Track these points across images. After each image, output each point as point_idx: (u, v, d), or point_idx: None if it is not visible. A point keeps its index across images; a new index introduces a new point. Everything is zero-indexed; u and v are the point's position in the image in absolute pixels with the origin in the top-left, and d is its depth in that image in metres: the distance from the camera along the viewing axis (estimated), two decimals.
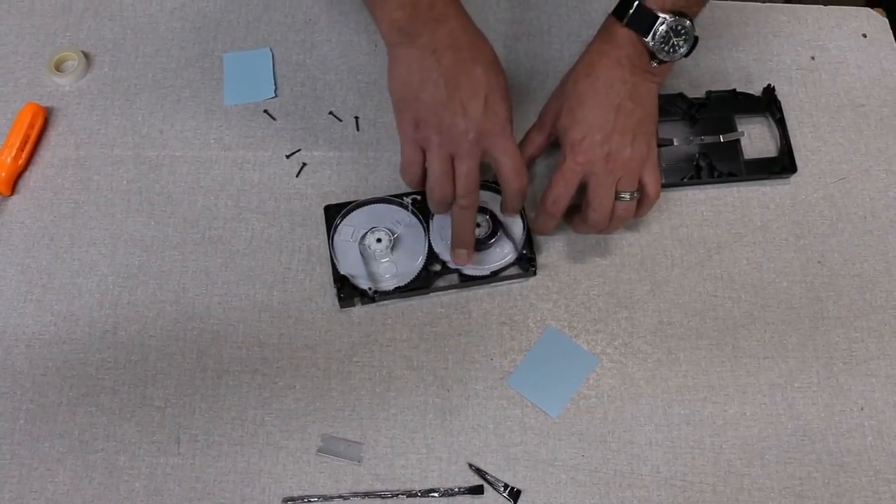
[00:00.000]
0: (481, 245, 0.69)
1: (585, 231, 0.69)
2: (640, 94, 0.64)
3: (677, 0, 0.62)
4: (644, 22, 0.62)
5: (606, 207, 0.64)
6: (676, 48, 0.62)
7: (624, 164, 0.63)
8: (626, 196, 0.64)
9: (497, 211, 0.70)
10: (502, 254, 0.70)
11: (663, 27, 0.61)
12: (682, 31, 0.62)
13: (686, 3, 0.63)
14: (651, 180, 0.65)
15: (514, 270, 0.69)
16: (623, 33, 0.63)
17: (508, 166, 0.62)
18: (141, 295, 0.69)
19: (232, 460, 0.64)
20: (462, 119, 0.59)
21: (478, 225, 0.69)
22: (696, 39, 0.63)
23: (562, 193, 0.64)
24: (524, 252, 0.69)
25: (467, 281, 0.69)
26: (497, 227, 0.70)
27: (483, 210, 0.70)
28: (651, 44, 0.62)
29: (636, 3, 0.62)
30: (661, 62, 0.63)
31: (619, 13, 0.63)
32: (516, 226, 0.70)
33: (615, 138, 0.63)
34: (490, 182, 0.70)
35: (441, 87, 0.59)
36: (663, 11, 0.61)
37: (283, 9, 0.81)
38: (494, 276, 0.69)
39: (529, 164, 0.72)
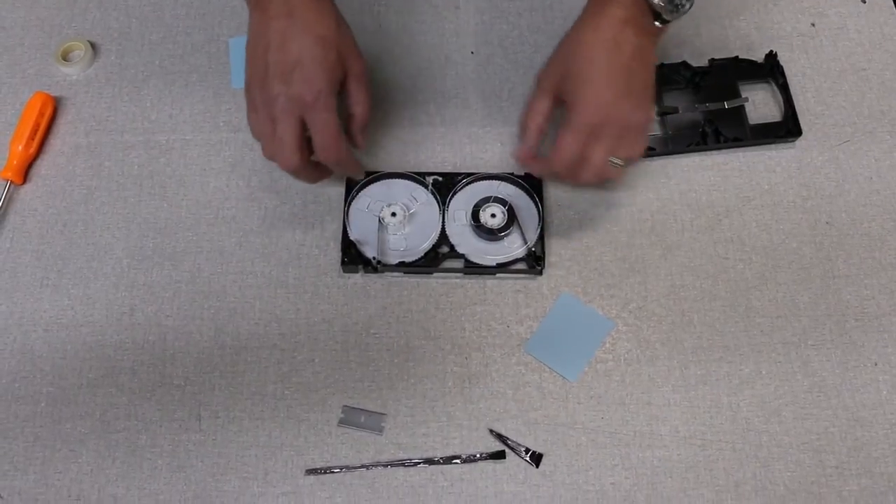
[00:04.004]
0: (494, 235, 0.69)
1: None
2: (645, 56, 0.64)
3: None
4: None
5: (600, 167, 0.63)
6: (681, 8, 0.63)
7: (628, 129, 0.63)
8: (620, 162, 0.64)
9: (516, 203, 0.70)
10: (511, 248, 0.69)
11: None
12: None
13: None
14: (640, 148, 0.65)
15: (520, 266, 0.69)
16: None
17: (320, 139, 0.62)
18: (156, 276, 0.69)
19: (253, 435, 0.64)
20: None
21: (493, 216, 0.69)
22: None
23: (574, 153, 0.63)
24: (533, 250, 0.68)
25: (472, 268, 0.68)
26: (512, 220, 0.69)
27: (501, 201, 0.70)
28: (659, 4, 0.62)
29: None
30: (664, 22, 0.63)
31: None
32: (531, 222, 0.70)
33: (624, 101, 0.62)
34: (512, 175, 0.71)
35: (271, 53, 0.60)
36: None
37: None
38: (500, 269, 0.69)
39: (541, 136, 0.69)
